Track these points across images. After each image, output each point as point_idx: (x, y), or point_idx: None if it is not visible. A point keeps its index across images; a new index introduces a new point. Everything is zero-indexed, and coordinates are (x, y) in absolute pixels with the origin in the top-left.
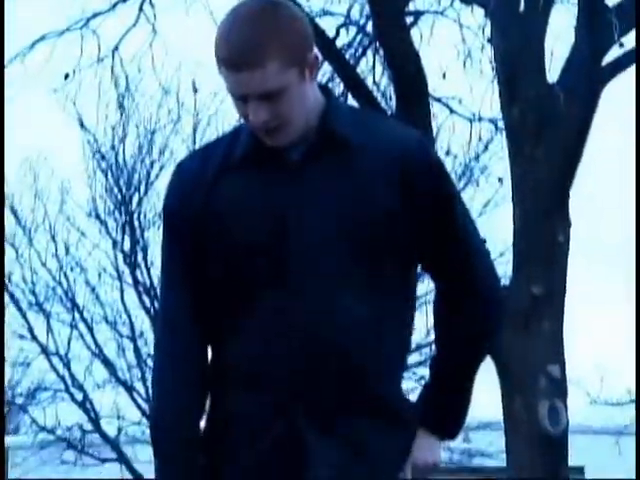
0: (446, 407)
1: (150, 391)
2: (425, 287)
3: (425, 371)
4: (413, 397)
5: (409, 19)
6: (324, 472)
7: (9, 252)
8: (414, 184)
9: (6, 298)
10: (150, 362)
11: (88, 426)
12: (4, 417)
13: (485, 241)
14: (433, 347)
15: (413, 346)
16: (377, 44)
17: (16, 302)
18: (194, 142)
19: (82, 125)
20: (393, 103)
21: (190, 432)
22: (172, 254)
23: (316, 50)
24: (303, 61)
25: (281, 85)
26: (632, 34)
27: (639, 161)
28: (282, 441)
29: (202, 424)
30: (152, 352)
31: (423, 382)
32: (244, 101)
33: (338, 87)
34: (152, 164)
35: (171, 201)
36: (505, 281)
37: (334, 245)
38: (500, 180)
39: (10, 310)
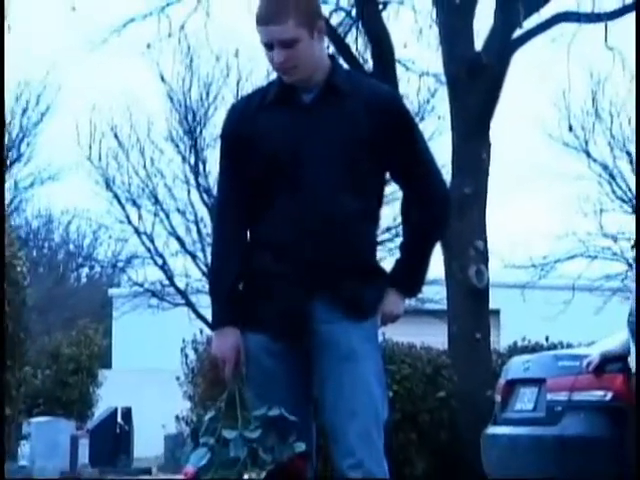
0: (411, 273)
1: (209, 259)
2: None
3: (392, 245)
4: (384, 264)
5: (380, 6)
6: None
7: (112, 164)
8: (388, 121)
9: (109, 195)
10: (208, 239)
11: (166, 282)
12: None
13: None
14: (400, 230)
15: (385, 227)
16: (359, 24)
17: (117, 198)
18: (237, 92)
19: (162, 78)
20: (370, 64)
21: (233, 282)
22: (226, 164)
23: (323, 22)
24: (313, 24)
25: (294, 37)
26: (533, 17)
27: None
28: (295, 301)
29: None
30: (210, 232)
31: (392, 255)
32: (271, 48)
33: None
34: (209, 106)
35: (227, 128)
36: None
37: (334, 161)
38: (439, 117)
39: (114, 204)
